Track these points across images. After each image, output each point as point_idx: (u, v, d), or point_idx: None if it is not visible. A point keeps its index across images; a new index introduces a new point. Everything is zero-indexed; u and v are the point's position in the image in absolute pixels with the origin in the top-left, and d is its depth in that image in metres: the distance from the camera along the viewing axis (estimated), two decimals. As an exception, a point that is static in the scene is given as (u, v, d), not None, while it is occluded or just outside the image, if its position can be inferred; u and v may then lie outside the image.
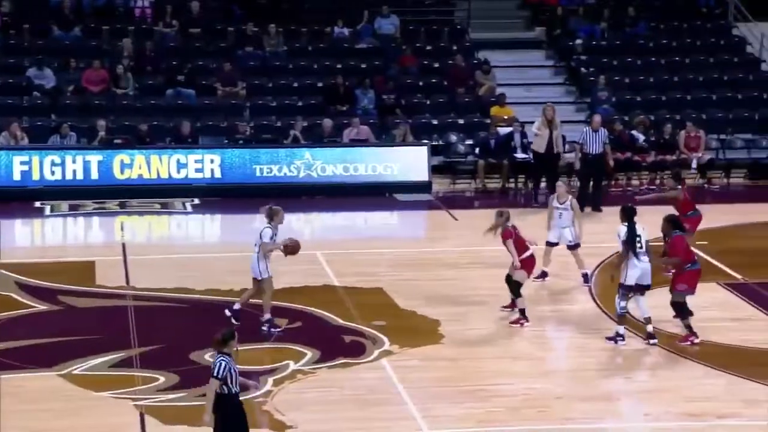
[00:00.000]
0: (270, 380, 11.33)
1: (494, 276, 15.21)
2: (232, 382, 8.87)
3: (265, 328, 12.62)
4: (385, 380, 11.53)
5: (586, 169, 18.88)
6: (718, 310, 13.59)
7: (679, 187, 15.12)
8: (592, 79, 22.69)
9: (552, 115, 18.97)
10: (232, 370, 8.89)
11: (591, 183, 18.88)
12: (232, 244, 17.37)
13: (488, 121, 21.54)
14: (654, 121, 21.52)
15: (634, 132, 20.99)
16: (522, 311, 13.02)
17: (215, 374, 8.82)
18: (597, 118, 19.19)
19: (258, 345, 12.37)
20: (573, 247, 14.52)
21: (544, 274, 14.58)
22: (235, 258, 15.94)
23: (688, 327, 12.48)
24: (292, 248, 12.77)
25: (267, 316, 12.77)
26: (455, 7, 25.26)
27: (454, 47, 23.60)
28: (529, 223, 17.86)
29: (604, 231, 16.92)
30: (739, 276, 14.93)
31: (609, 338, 12.43)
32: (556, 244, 14.58)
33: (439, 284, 14.90)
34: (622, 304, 12.27)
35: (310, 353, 12.16)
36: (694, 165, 20.46)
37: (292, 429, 10.26)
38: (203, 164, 20.09)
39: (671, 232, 12.54)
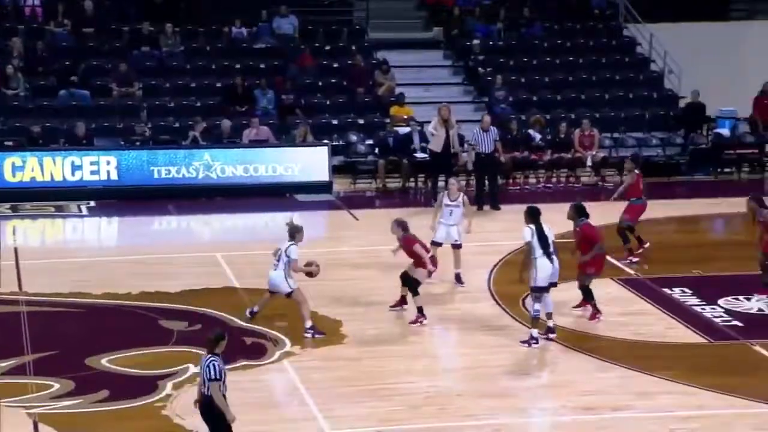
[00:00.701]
0: (169, 384, 11.18)
1: (395, 275, 15.29)
2: (223, 383, 8.89)
3: (308, 335, 12.56)
4: (286, 381, 11.49)
5: (479, 168, 19.11)
6: (611, 305, 13.87)
7: (636, 171, 15.46)
8: (489, 78, 22.97)
9: (447, 115, 19.16)
10: (223, 371, 8.90)
11: (486, 182, 19.10)
12: (129, 247, 17.11)
13: (388, 120, 21.64)
14: (549, 120, 21.90)
15: (530, 131, 21.32)
16: (420, 309, 13.11)
17: (213, 377, 8.77)
18: (487, 118, 19.43)
19: (157, 349, 12.20)
20: (457, 246, 14.59)
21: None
22: (132, 261, 15.71)
23: (594, 306, 12.96)
24: (314, 273, 12.90)
25: (309, 323, 12.64)
26: (353, 8, 25.31)
27: (353, 47, 23.65)
28: (428, 221, 18.05)
29: (502, 229, 17.23)
30: (631, 272, 15.27)
31: (523, 341, 12.41)
32: (441, 244, 14.58)
33: (341, 284, 14.89)
34: (536, 307, 12.35)
35: (210, 356, 12.03)
36: (588, 163, 20.86)
37: (193, 433, 10.14)
38: (99, 166, 19.72)
39: (578, 220, 12.86)
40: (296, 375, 11.61)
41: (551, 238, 12.36)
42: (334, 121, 21.99)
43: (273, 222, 19.14)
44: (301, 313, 12.70)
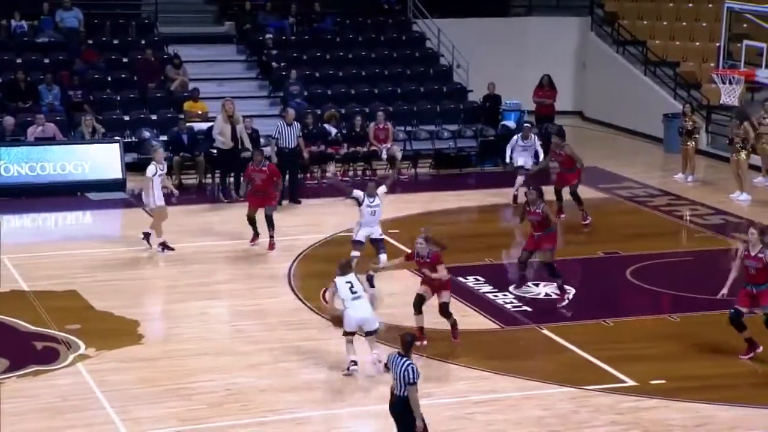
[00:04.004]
0: (-46, 396, 10.66)
1: (193, 272, 15.13)
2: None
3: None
4: (81, 385, 11.17)
5: (282, 162, 19.07)
6: (410, 295, 14.11)
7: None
8: (283, 73, 22.97)
9: (232, 110, 19.06)
10: (420, 375, 8.95)
11: (288, 176, 19.10)
12: None
13: (182, 116, 21.28)
14: (344, 115, 22.12)
15: (326, 125, 21.47)
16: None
17: (412, 381, 8.83)
18: (291, 112, 19.47)
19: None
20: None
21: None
22: None
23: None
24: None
25: (149, 231, 15.80)
26: (142, 1, 24.73)
27: (143, 41, 23.12)
28: (225, 217, 17.93)
29: (303, 223, 17.31)
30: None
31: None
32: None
33: (137, 283, 14.60)
34: None
35: (-2, 364, 11.55)
36: (383, 156, 21.21)
37: (-19, 445, 9.72)
38: None
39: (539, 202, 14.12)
40: (91, 378, 11.30)
41: None
42: (126, 117, 21.42)
43: (63, 222, 18.52)
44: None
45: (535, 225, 14.18)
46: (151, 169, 15.72)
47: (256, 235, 16.09)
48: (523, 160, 18.96)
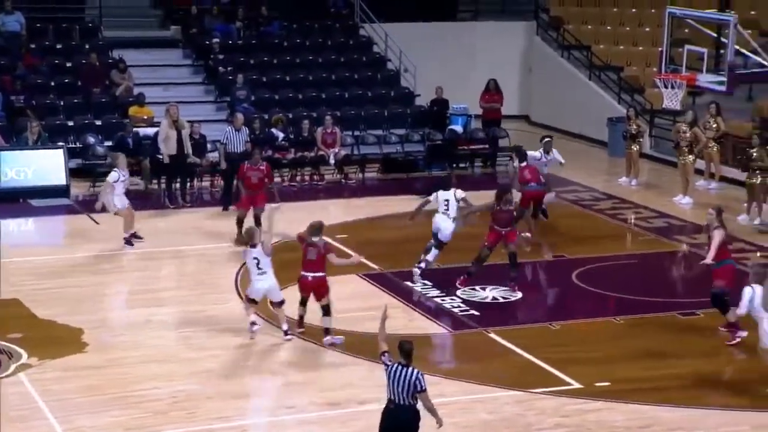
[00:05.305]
0: None
1: (137, 279, 15.00)
2: None
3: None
4: (23, 395, 11.02)
5: (230, 167, 18.97)
6: (358, 301, 14.17)
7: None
8: (230, 78, 22.86)
9: (177, 115, 18.93)
10: None
11: (235, 182, 18.94)
12: None
13: (127, 121, 21.08)
14: (292, 119, 22.06)
15: (273, 130, 21.40)
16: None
17: (424, 387, 8.88)
18: (239, 117, 19.40)
19: None
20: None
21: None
22: None
23: None
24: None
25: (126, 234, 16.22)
26: (85, 5, 24.47)
27: (87, 46, 22.87)
28: (170, 223, 17.79)
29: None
30: (376, 266, 15.63)
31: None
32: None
33: (82, 291, 14.43)
34: None
35: (-63, 374, 11.35)
36: (331, 161, 21.18)
37: None
38: None
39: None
40: (33, 388, 11.14)
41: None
42: (70, 123, 21.16)
43: (6, 229, 18.20)
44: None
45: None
46: (112, 176, 16.06)
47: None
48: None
